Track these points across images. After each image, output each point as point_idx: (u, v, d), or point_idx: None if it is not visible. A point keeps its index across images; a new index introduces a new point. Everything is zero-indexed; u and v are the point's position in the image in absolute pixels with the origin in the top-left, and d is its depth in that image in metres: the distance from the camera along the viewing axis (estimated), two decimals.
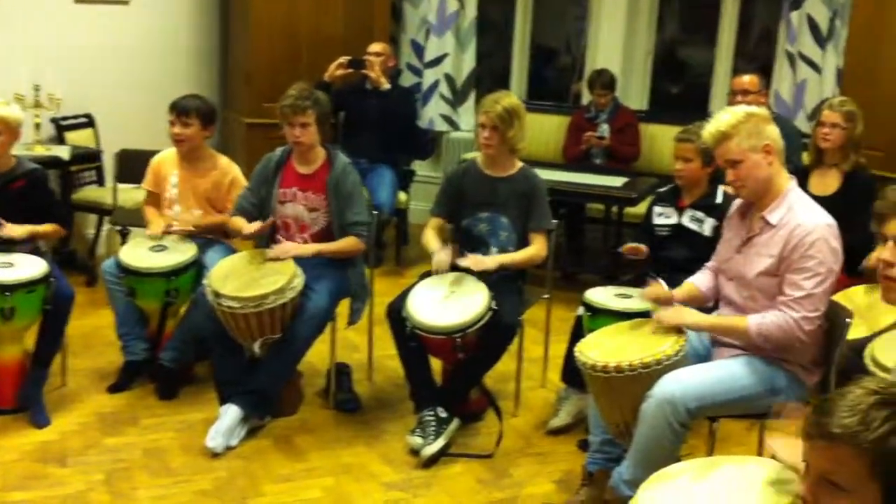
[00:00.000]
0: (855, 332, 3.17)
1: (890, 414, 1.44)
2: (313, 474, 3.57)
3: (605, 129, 6.07)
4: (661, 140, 6.35)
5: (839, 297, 3.26)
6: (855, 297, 3.61)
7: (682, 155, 3.86)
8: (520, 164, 4.08)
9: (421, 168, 6.88)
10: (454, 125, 7.18)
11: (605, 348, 3.14)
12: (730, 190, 3.97)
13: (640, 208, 5.50)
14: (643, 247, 3.97)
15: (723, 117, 3.06)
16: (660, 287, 3.62)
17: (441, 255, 3.92)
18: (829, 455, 1.48)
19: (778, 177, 3.06)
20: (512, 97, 4.02)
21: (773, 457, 2.27)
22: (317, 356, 4.20)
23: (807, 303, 2.94)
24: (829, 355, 3.05)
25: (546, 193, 4.05)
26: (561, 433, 3.94)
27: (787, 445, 2.10)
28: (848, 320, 2.99)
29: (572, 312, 4.38)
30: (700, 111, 6.75)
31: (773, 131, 3.08)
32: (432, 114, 7.12)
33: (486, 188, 4.04)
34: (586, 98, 6.64)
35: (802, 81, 6.00)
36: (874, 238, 3.97)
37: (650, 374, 3.00)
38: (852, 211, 3.70)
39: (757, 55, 6.97)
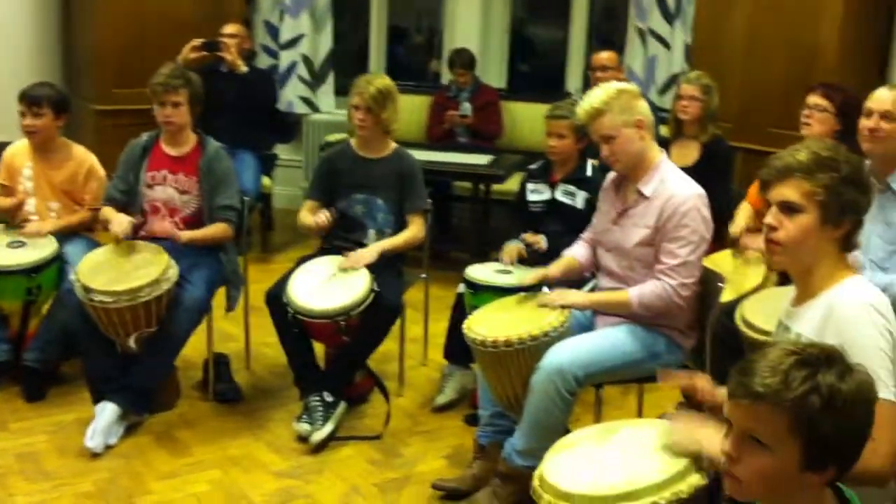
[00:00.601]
0: (723, 296, 3.32)
1: (809, 374, 1.52)
2: (199, 468, 3.49)
3: (467, 107, 6.13)
4: (521, 117, 6.49)
5: (706, 263, 3.41)
6: (721, 262, 3.78)
7: (555, 131, 3.94)
8: (394, 146, 4.08)
9: (283, 152, 6.76)
10: (314, 107, 7.08)
11: (492, 324, 3.19)
12: (595, 163, 4.12)
13: (507, 185, 5.60)
14: (542, 240, 3.98)
15: (596, 94, 3.15)
16: (537, 238, 3.81)
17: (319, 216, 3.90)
18: (752, 413, 1.54)
19: (650, 150, 3.18)
20: (385, 78, 4.02)
21: (667, 416, 2.36)
22: (190, 348, 4.05)
23: (683, 270, 3.08)
24: (703, 319, 3.20)
25: (421, 174, 4.07)
26: (447, 409, 3.99)
27: (687, 432, 2.18)
28: (720, 284, 3.15)
29: (448, 291, 4.43)
30: (557, 88, 6.95)
31: (644, 106, 3.19)
32: (291, 96, 7.00)
33: (361, 170, 4.02)
34: (446, 77, 6.69)
35: (653, 57, 6.23)
36: (734, 205, 4.21)
37: (538, 346, 3.07)
38: (712, 180, 3.88)
39: (608, 32, 7.19)
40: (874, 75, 5.31)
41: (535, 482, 2.29)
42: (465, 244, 5.88)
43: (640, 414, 3.68)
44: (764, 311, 3.21)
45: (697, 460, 2.14)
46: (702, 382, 2.36)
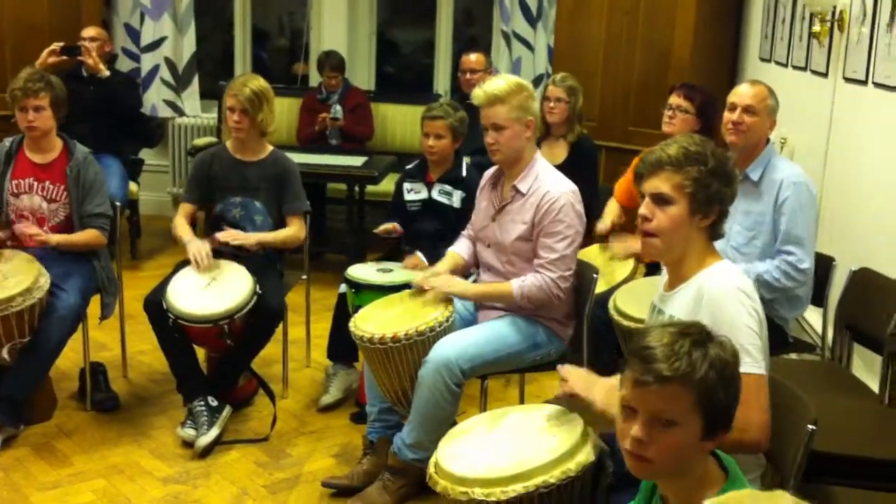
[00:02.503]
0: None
1: (705, 351, 1.66)
2: (82, 478, 3.42)
3: (338, 109, 6.15)
4: (391, 118, 6.58)
5: (580, 256, 3.56)
6: (591, 255, 3.96)
7: (433, 132, 4.02)
8: (270, 148, 4.07)
9: (149, 157, 6.63)
10: (179, 111, 6.97)
11: (379, 321, 3.26)
12: (468, 160, 4.24)
13: (382, 186, 5.67)
14: (396, 225, 4.11)
15: (497, 82, 3.24)
16: (417, 258, 3.82)
17: (195, 243, 3.85)
18: (661, 396, 1.66)
19: (528, 149, 3.30)
20: (259, 80, 4.00)
21: (552, 401, 2.48)
22: (63, 359, 3.95)
23: (560, 263, 3.22)
24: (580, 309, 3.35)
25: (298, 176, 4.08)
26: (332, 409, 4.02)
27: (580, 380, 2.29)
28: (595, 276, 3.31)
29: (326, 292, 4.48)
30: (424, 90, 7.06)
31: (536, 109, 3.33)
32: (154, 100, 6.86)
33: (237, 173, 4.00)
34: (315, 80, 6.70)
35: (518, 59, 6.42)
36: (601, 201, 4.41)
37: (424, 341, 3.16)
38: (580, 177, 4.03)
39: (472, 35, 7.35)
40: (724, 76, 5.64)
41: (431, 469, 2.38)
42: (340, 246, 5.91)
43: (521, 402, 3.81)
44: (635, 300, 3.39)
45: (585, 435, 2.27)
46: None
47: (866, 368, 3.41)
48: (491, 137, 3.25)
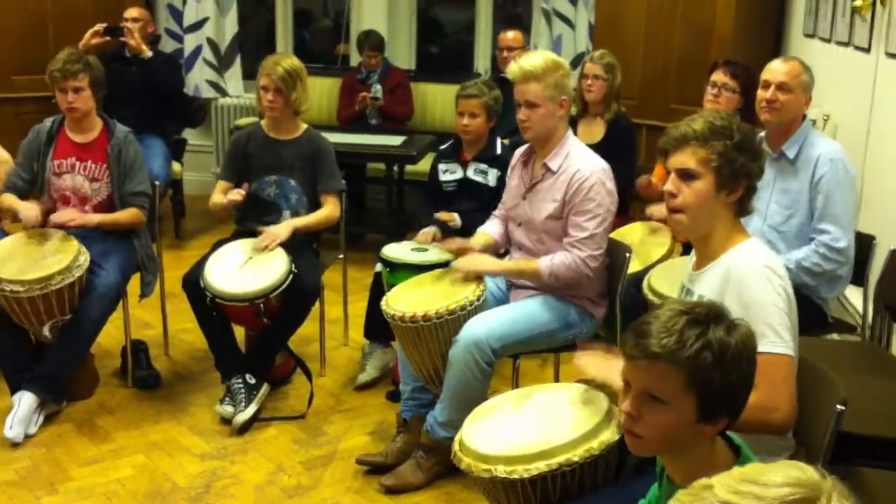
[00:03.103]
0: (630, 267, 3.46)
1: (701, 331, 1.62)
2: (122, 454, 3.49)
3: (378, 89, 6.16)
4: (431, 98, 6.56)
5: (615, 236, 3.54)
6: (629, 234, 3.93)
7: (467, 110, 4.00)
8: (304, 127, 4.10)
9: (192, 137, 6.71)
10: (222, 91, 7.02)
11: (410, 300, 3.27)
12: (505, 141, 4.23)
13: (420, 166, 5.67)
14: (455, 216, 4.07)
15: (534, 59, 3.20)
16: (451, 216, 3.81)
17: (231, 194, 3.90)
18: (651, 372, 1.64)
19: (560, 127, 3.28)
20: (293, 58, 4.02)
21: (582, 381, 2.48)
22: (106, 336, 4.06)
23: (590, 242, 3.19)
24: (612, 288, 3.33)
25: (333, 155, 4.10)
26: (369, 387, 4.05)
27: (597, 364, 2.29)
28: (628, 255, 3.28)
29: (365, 272, 4.49)
30: (465, 69, 7.04)
31: (571, 87, 3.30)
32: (197, 80, 6.92)
33: (271, 152, 4.03)
34: (355, 60, 6.71)
35: (558, 37, 6.36)
36: (637, 181, 4.38)
37: (455, 319, 3.16)
38: (617, 156, 4.02)
39: (513, 13, 7.30)
40: (767, 52, 5.53)
41: (455, 447, 2.39)
42: (379, 226, 5.93)
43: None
44: (669, 279, 3.37)
45: (610, 414, 2.26)
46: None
47: None
48: (523, 114, 3.23)
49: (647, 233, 3.95)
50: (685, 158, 2.18)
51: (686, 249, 3.83)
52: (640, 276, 3.54)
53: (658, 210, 3.87)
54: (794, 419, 2.08)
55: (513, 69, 3.23)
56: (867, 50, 3.91)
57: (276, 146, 4.02)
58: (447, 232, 4.03)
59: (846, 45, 4.21)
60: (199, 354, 4.31)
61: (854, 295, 3.78)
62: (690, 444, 1.67)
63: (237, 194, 3.89)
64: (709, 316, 1.64)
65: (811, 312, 3.19)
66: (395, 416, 3.55)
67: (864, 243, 3.43)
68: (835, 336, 3.55)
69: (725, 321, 1.65)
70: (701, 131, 2.16)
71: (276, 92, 3.91)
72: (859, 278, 3.45)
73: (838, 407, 2.09)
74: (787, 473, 1.07)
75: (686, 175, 2.18)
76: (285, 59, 3.99)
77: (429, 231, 4.01)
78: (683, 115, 5.12)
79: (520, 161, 3.45)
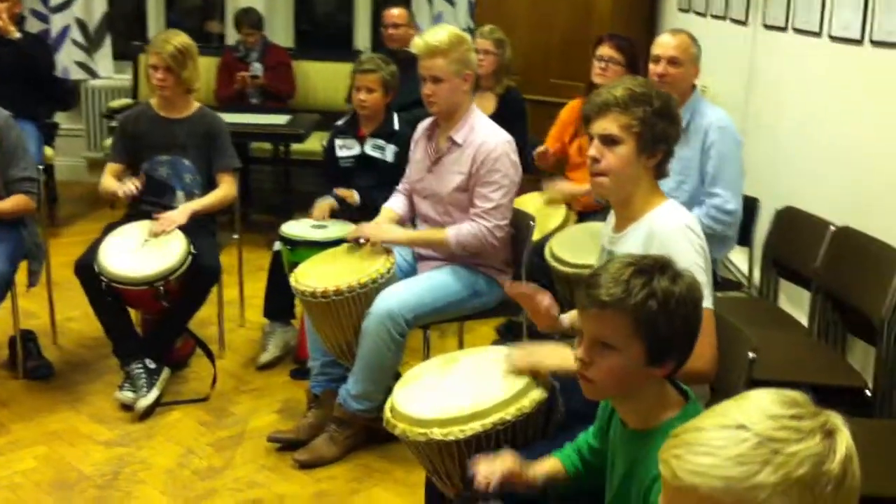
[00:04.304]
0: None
1: (646, 281, 1.70)
2: (21, 445, 3.36)
3: (257, 67, 6.07)
4: (312, 76, 6.52)
5: (515, 205, 3.61)
6: (526, 204, 4.01)
7: (364, 85, 3.98)
8: (197, 105, 4.02)
9: (63, 120, 6.44)
10: (92, 73, 6.78)
11: (320, 275, 3.26)
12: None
13: (307, 145, 5.62)
14: (354, 193, 4.03)
15: (438, 34, 3.23)
16: (349, 193, 3.88)
17: (127, 183, 3.78)
18: (601, 320, 1.71)
19: (465, 101, 3.32)
20: (182, 36, 3.93)
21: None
22: None
23: (496, 213, 3.26)
24: (517, 256, 3.41)
25: (227, 132, 4.04)
26: (271, 367, 4.02)
27: (524, 354, 2.36)
28: (532, 223, 3.36)
29: (255, 253, 4.45)
30: (344, 47, 7.00)
31: (475, 61, 3.33)
32: (66, 62, 6.65)
33: (163, 130, 3.93)
34: (232, 38, 6.58)
35: (439, 13, 6.42)
36: (529, 152, 4.47)
37: (367, 292, 3.18)
38: (510, 129, 4.07)
39: None
40: (643, 27, 5.73)
41: (387, 413, 2.41)
42: (266, 205, 5.85)
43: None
44: (571, 246, 3.48)
45: (536, 377, 2.33)
46: (544, 297, 2.51)
47: (792, 303, 3.56)
48: (429, 89, 3.25)
49: (543, 203, 4.04)
50: (607, 124, 2.25)
51: (581, 218, 3.95)
52: (540, 245, 3.63)
53: (562, 187, 3.98)
54: (717, 368, 2.19)
55: (417, 44, 3.25)
56: (744, 23, 4.11)
57: (169, 125, 3.92)
58: (345, 207, 4.02)
59: (723, 18, 4.41)
60: (89, 343, 4.18)
61: (737, 255, 3.99)
62: (641, 387, 1.75)
63: (132, 187, 3.76)
64: (654, 266, 1.72)
65: None
66: (304, 392, 3.54)
67: (749, 206, 3.61)
68: (719, 294, 3.73)
69: (670, 271, 1.73)
70: (622, 98, 2.24)
71: (167, 70, 3.82)
72: (744, 239, 3.64)
73: (750, 355, 2.22)
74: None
75: (609, 140, 2.26)
76: (175, 36, 3.89)
77: (325, 203, 3.98)
78: (566, 90, 5.29)
79: (424, 135, 3.48)
